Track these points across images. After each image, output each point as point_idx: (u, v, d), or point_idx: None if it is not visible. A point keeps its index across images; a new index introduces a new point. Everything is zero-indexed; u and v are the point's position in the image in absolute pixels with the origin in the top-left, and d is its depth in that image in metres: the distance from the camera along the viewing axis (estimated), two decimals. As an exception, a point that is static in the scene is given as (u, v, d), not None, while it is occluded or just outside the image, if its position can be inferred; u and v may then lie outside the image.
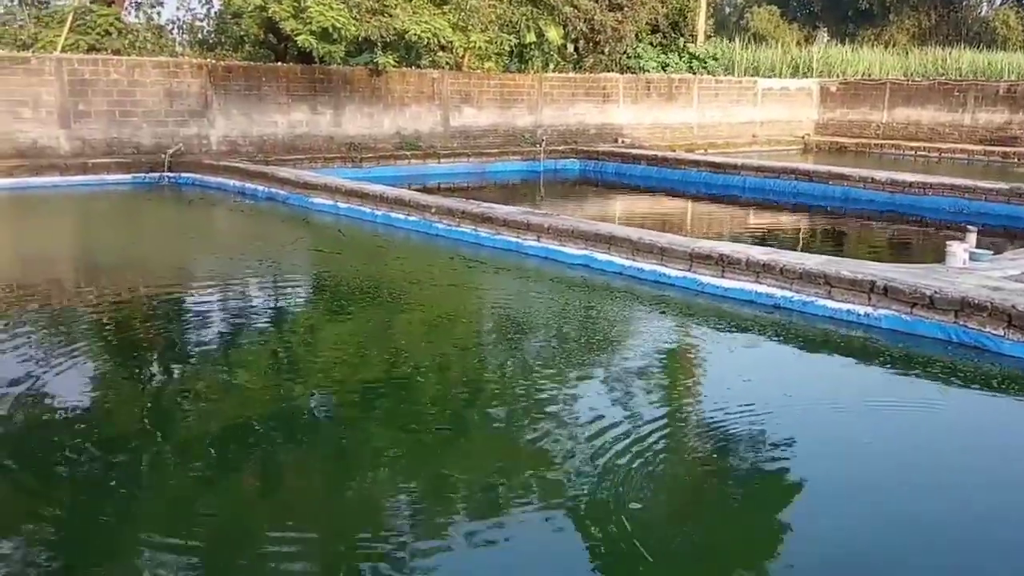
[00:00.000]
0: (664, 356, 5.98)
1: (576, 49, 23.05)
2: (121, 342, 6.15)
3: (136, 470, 4.10)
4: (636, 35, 23.69)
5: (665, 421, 4.71)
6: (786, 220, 13.17)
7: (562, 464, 4.13)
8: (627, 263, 7.88)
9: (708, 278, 7.28)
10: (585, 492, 3.85)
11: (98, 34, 16.14)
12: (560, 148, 19.01)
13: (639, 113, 22.15)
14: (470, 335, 6.58)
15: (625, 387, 5.23)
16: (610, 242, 8.07)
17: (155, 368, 5.62)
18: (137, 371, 5.56)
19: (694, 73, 24.45)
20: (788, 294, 6.77)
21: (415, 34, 15.59)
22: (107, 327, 6.47)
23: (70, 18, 15.92)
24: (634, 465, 4.12)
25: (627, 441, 4.37)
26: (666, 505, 3.88)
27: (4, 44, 16.54)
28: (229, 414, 4.78)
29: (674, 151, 19.29)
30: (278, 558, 3.36)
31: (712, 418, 4.76)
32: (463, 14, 16.66)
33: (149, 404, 4.89)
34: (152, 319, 6.74)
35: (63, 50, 15.25)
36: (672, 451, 4.38)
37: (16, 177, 13.10)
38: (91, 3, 16.50)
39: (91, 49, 15.84)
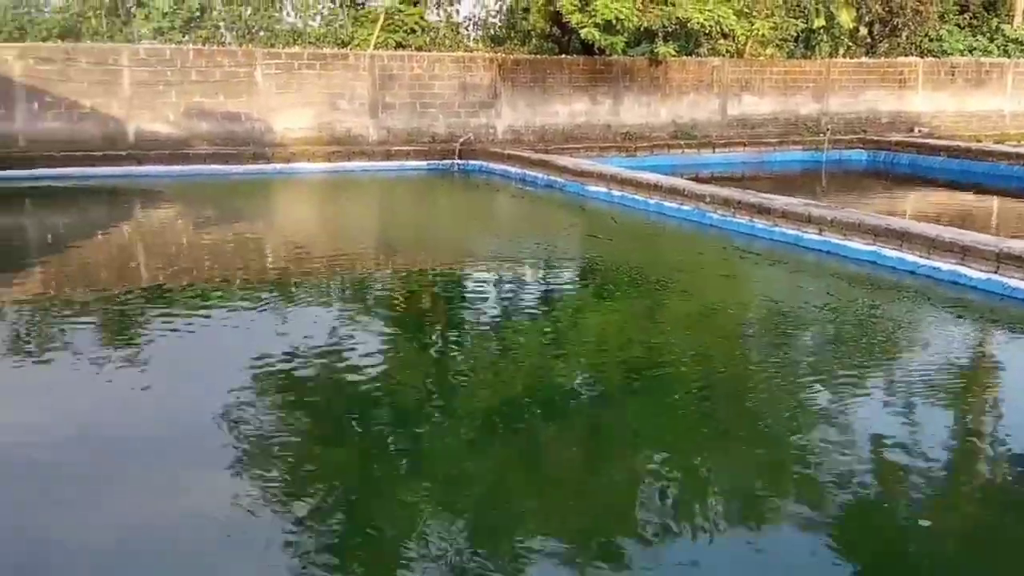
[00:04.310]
0: (958, 366, 5.54)
1: (870, 32, 21.59)
2: (407, 313, 6.81)
3: (411, 432, 4.43)
4: (940, 16, 21.71)
5: (952, 439, 4.37)
6: (1117, 222, 11.55)
7: (829, 475, 3.87)
8: (921, 261, 7.36)
9: (1018, 282, 6.62)
10: (854, 509, 3.60)
11: (404, 32, 17.67)
12: (846, 138, 17.94)
13: (940, 100, 20.28)
14: (737, 328, 6.47)
15: (909, 397, 4.87)
16: (902, 238, 7.58)
17: (434, 339, 6.15)
18: (418, 341, 6.12)
19: (1008, 56, 21.94)
20: (1115, 304, 6.01)
21: (697, 22, 15.46)
22: (397, 298, 7.21)
23: (382, 18, 17.56)
24: (913, 486, 3.84)
25: (907, 458, 4.07)
26: (948, 532, 3.55)
27: (327, 42, 18.63)
28: (496, 388, 5.05)
29: (980, 142, 17.50)
30: (528, 532, 3.46)
31: (1010, 439, 4.35)
32: (749, 0, 16.25)
33: (427, 372, 5.34)
34: (436, 293, 7.40)
35: (375, 47, 16.88)
36: (958, 472, 4.06)
37: (332, 162, 14.72)
38: (399, 3, 18.07)
39: (398, 46, 17.38)
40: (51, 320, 6.34)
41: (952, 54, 21.69)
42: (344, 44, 17.93)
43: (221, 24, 19.90)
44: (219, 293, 7.06)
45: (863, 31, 21.48)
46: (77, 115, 13.76)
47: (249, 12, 19.95)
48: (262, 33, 19.75)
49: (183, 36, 18.71)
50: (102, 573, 3.22)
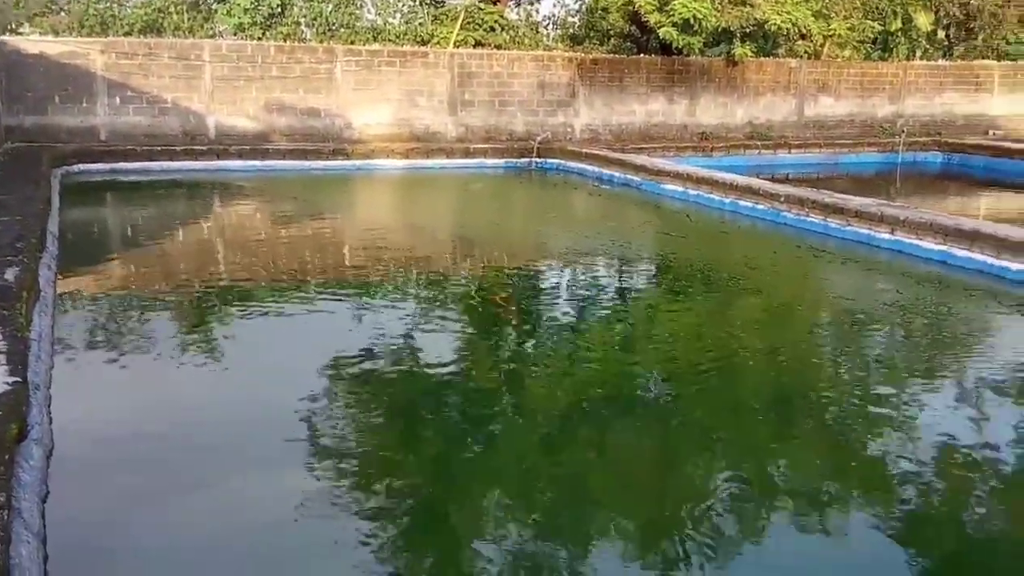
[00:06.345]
0: (1026, 362, 5.62)
1: (947, 36, 21.41)
2: (481, 309, 6.89)
3: (484, 427, 4.50)
4: (1019, 19, 21.43)
5: (1020, 438, 4.38)
6: None
7: (894, 476, 3.90)
8: (991, 261, 7.57)
9: (1085, 284, 6.81)
10: (917, 510, 3.66)
11: (484, 30, 18.09)
12: (922, 140, 17.92)
13: (1017, 104, 20.04)
14: (807, 325, 6.61)
15: (975, 398, 4.94)
16: (973, 238, 7.79)
17: (507, 336, 6.22)
18: (491, 337, 6.17)
19: (1092, 58, 21.52)
20: None
21: (775, 24, 15.62)
22: (471, 294, 7.33)
23: (462, 16, 18.01)
24: (977, 488, 3.85)
25: (971, 460, 4.07)
26: (1015, 537, 3.52)
27: (407, 40, 19.14)
28: (568, 384, 5.10)
29: (1060, 146, 17.29)
30: (601, 529, 3.53)
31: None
32: (827, 1, 16.36)
33: (500, 368, 5.43)
34: (509, 290, 7.53)
35: (455, 45, 17.33)
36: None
37: (411, 159, 15.03)
38: (479, 1, 18.44)
39: (477, 44, 17.78)
40: (129, 313, 6.31)
41: (1032, 56, 21.39)
42: (424, 42, 18.38)
43: (302, 20, 20.46)
44: (297, 288, 7.19)
45: (940, 34, 21.32)
46: (158, 109, 14.20)
47: (330, 9, 20.50)
48: (342, 30, 20.28)
49: (263, 32, 19.32)
50: (178, 566, 3.25)
